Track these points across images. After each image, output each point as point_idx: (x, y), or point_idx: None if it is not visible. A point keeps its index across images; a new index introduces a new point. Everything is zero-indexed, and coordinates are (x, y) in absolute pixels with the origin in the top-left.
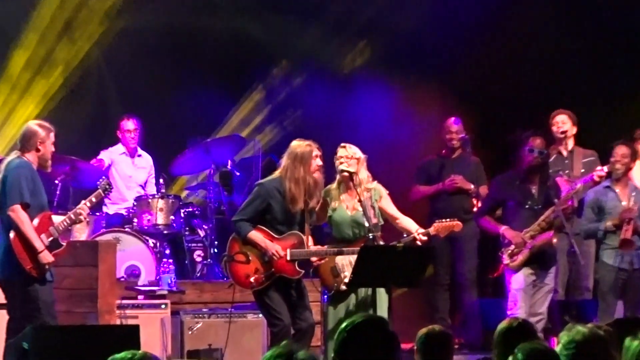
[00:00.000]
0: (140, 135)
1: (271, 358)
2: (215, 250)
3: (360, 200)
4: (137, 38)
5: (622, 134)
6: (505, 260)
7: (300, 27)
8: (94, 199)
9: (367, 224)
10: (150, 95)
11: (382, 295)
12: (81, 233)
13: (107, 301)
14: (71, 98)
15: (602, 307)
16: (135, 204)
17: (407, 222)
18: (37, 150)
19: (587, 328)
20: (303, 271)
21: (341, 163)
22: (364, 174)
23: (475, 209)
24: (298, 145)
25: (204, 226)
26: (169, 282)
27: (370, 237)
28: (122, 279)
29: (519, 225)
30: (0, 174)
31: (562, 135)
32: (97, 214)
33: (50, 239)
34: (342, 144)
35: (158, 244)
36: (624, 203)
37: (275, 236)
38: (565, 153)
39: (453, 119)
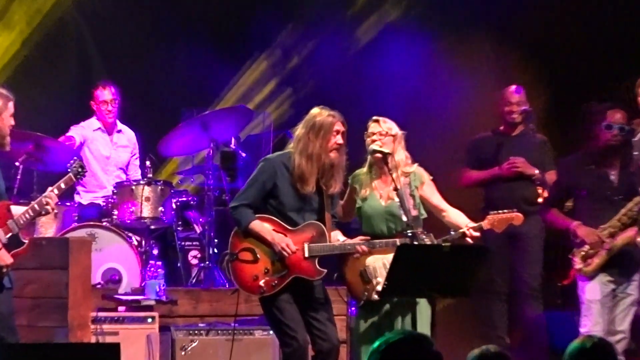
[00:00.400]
0: (120, 106)
1: None
2: (215, 250)
3: (396, 188)
4: None
5: None
6: (578, 264)
7: None
8: (63, 186)
9: (404, 217)
10: (134, 58)
11: (423, 307)
12: (48, 228)
13: (80, 313)
14: (35, 61)
15: None
16: (115, 191)
17: (454, 215)
18: None
19: None
20: (325, 270)
21: (373, 141)
22: (401, 155)
23: (540, 200)
24: (318, 113)
25: (200, 220)
26: (157, 289)
27: (409, 233)
28: (99, 286)
29: (595, 221)
30: None
31: None
32: (68, 204)
33: (9, 235)
34: (375, 117)
35: (144, 242)
36: None
37: (289, 228)
38: None
39: (514, 87)
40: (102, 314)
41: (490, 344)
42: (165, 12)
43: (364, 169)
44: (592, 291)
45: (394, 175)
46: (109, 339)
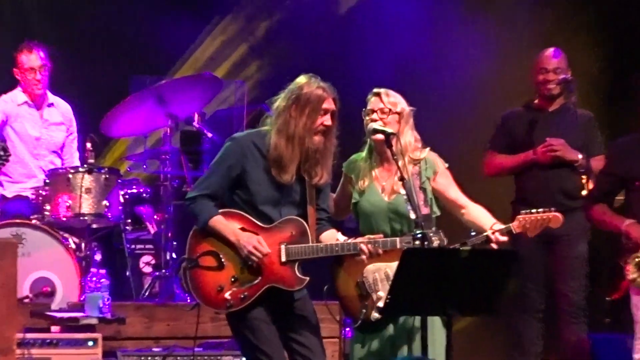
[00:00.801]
0: (52, 74)
1: None
2: (174, 255)
3: (402, 178)
4: None
5: None
6: (631, 273)
7: None
8: None
9: (413, 215)
10: (72, 14)
11: (436, 327)
12: None
13: (3, 335)
14: None
15: None
16: (47, 181)
17: (476, 213)
18: None
19: None
20: (307, 278)
21: (373, 120)
22: (409, 137)
23: (584, 192)
24: (306, 84)
25: (155, 217)
26: (101, 305)
27: (419, 235)
28: (27, 300)
29: None
30: None
31: None
32: None
33: None
34: (376, 89)
35: (83, 245)
36: None
37: (262, 225)
38: None
39: (551, 50)
40: (30, 336)
41: None
42: None
43: (362, 154)
44: None
45: (400, 162)
46: None
